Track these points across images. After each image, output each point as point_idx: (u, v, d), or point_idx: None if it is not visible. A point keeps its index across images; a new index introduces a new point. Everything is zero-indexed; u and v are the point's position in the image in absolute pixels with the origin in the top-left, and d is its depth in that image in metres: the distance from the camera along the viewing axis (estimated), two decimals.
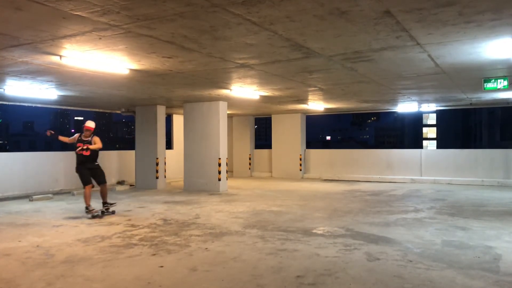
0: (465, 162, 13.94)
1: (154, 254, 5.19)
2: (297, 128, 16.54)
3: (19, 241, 5.98)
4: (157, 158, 13.15)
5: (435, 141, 59.24)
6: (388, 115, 74.35)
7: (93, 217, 7.69)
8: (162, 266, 4.70)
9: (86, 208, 7.79)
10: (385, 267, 4.60)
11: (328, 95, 11.07)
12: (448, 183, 13.48)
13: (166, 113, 14.19)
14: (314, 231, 6.47)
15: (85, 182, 7.91)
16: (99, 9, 4.03)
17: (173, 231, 6.55)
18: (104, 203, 8.12)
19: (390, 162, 15.21)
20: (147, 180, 13.21)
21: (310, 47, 5.70)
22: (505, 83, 8.03)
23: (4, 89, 9.02)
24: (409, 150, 16.92)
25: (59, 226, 7.03)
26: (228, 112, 13.34)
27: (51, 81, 8.22)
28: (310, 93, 10.72)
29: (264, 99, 11.50)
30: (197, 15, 4.26)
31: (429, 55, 6.25)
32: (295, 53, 6.04)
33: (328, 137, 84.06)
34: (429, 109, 14.93)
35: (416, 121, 62.08)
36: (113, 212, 8.12)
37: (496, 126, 42.42)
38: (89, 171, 7.99)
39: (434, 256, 4.99)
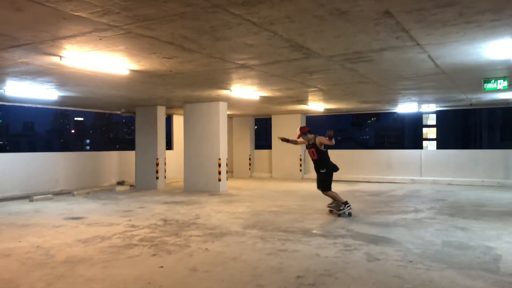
0: (465, 162, 13.93)
1: (154, 255, 5.20)
2: (297, 128, 16.49)
3: (19, 241, 5.98)
4: (157, 159, 13.16)
5: (435, 142, 59.24)
6: (388, 116, 74.36)
7: None
8: (162, 267, 4.70)
9: None
10: (385, 267, 4.60)
11: (328, 95, 11.08)
12: (448, 184, 13.48)
13: (166, 114, 14.20)
14: (314, 231, 6.48)
15: None
16: (99, 9, 4.03)
17: (173, 231, 6.56)
18: None
19: (390, 162, 15.21)
20: (147, 180, 13.21)
21: (310, 48, 5.70)
22: (505, 83, 8.04)
23: (4, 90, 9.02)
24: (409, 150, 16.93)
25: (59, 227, 7.03)
26: (228, 112, 13.34)
27: (51, 81, 8.22)
28: (310, 93, 10.72)
29: (264, 99, 11.50)
30: (197, 16, 4.27)
31: (429, 56, 6.25)
32: (295, 54, 6.04)
33: None
34: (429, 110, 14.92)
35: (416, 122, 62.08)
36: None
37: (496, 126, 42.50)
38: None
39: (434, 257, 4.99)
